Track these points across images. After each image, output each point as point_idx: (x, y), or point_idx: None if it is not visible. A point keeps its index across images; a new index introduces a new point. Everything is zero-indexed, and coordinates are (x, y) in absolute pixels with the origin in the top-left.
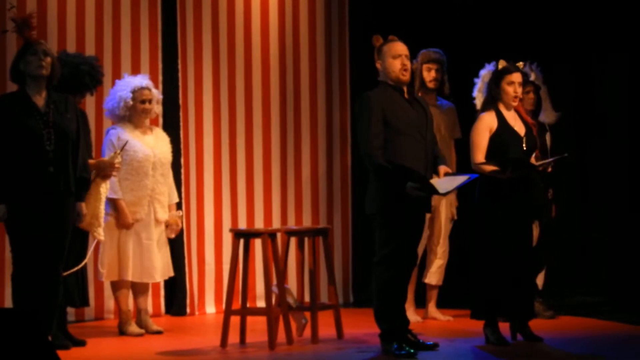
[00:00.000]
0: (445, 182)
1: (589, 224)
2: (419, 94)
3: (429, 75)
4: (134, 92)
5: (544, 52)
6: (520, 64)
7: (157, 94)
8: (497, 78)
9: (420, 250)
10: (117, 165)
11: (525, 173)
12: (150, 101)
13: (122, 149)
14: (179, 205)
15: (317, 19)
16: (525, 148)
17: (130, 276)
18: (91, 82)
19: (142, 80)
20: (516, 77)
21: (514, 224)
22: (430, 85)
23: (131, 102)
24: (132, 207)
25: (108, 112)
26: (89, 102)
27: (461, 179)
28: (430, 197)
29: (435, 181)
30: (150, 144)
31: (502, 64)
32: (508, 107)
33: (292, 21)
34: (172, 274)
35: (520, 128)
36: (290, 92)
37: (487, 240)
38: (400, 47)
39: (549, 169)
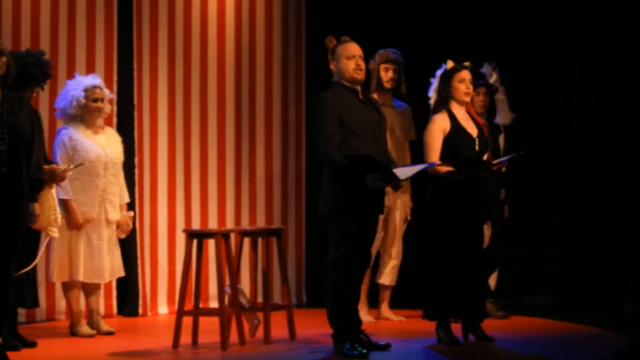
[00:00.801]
0: (404, 170)
1: (542, 224)
2: (375, 94)
3: (387, 75)
4: (86, 90)
5: (501, 51)
6: (467, 64)
7: (108, 93)
8: (447, 77)
9: (374, 250)
10: (66, 178)
11: (481, 172)
12: (102, 100)
13: (77, 167)
14: (131, 205)
15: (274, 20)
16: (477, 149)
17: (81, 277)
18: (39, 74)
19: (93, 79)
20: (466, 74)
21: (465, 224)
22: (388, 85)
23: (84, 101)
24: (83, 207)
25: (60, 111)
26: (42, 102)
27: (419, 167)
28: (384, 190)
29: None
30: (102, 144)
31: (450, 64)
32: (461, 104)
33: (249, 21)
34: (122, 274)
35: (472, 129)
36: (246, 92)
37: (439, 240)
38: (353, 48)
39: (504, 169)
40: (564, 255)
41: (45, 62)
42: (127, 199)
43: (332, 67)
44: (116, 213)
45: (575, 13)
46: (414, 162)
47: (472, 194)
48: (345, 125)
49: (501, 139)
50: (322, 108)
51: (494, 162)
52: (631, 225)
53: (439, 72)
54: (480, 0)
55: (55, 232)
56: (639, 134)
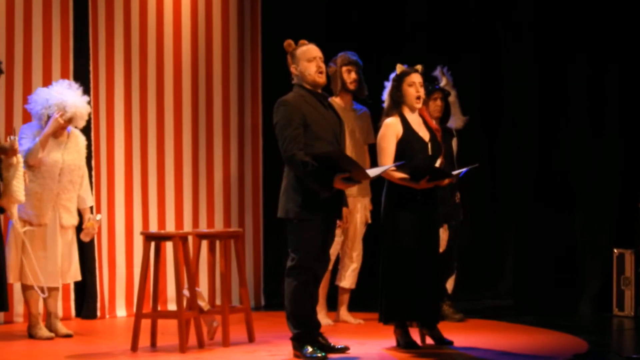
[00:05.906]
0: (371, 170)
1: (497, 227)
2: (339, 97)
3: (350, 77)
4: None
5: (454, 54)
6: (419, 67)
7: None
8: (397, 82)
9: (333, 253)
10: (16, 148)
11: (439, 183)
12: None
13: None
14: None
15: (230, 23)
16: (430, 153)
17: (30, 280)
18: None
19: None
20: (416, 77)
21: (421, 227)
22: (351, 87)
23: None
24: (37, 210)
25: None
26: None
27: (384, 167)
28: (343, 194)
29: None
30: (61, 149)
31: (399, 68)
32: (412, 109)
33: (205, 26)
34: (79, 278)
35: (424, 134)
36: (203, 95)
37: (395, 244)
38: (314, 50)
39: (453, 181)
40: (518, 259)
41: None
42: (90, 203)
43: (292, 70)
44: (71, 218)
45: (525, 15)
46: (374, 166)
47: (427, 198)
48: (309, 129)
49: (454, 143)
50: (287, 111)
51: (453, 173)
52: (582, 226)
53: (393, 75)
54: (432, 3)
55: (14, 215)
56: (589, 136)
